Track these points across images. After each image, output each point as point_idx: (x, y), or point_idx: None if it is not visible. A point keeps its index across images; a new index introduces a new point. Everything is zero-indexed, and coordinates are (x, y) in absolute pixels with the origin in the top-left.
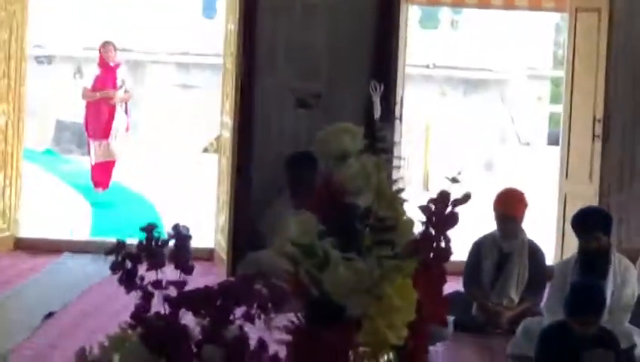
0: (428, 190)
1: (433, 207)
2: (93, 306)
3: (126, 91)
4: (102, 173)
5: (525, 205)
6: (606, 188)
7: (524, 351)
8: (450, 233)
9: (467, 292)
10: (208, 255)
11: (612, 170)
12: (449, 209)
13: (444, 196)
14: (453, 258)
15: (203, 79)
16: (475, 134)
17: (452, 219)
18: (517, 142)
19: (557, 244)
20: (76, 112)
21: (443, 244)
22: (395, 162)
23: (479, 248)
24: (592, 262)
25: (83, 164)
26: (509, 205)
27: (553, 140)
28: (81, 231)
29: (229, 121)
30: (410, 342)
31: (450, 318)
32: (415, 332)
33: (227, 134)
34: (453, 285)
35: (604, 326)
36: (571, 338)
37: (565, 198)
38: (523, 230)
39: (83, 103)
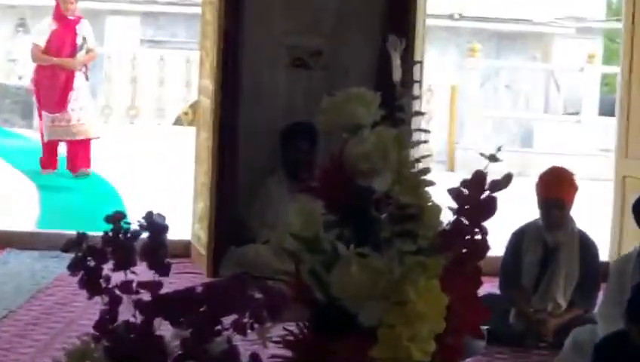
0: (453, 170)
1: (466, 192)
2: (43, 314)
3: (89, 51)
4: (52, 153)
5: (575, 188)
6: None
7: None
8: (486, 224)
9: (504, 296)
10: (183, 250)
11: None
12: (485, 194)
13: (479, 178)
14: (489, 254)
15: (176, 33)
16: (511, 101)
17: (489, 207)
18: (562, 110)
19: (613, 237)
20: (22, 75)
21: (478, 237)
22: (419, 136)
23: (518, 241)
24: None
25: (31, 140)
26: (555, 188)
27: (607, 109)
28: (26, 222)
29: (209, 85)
30: (438, 358)
31: (484, 328)
32: (444, 346)
33: (207, 101)
34: (486, 287)
35: None
36: (633, 353)
37: (624, 181)
38: (572, 219)
39: (31, 65)
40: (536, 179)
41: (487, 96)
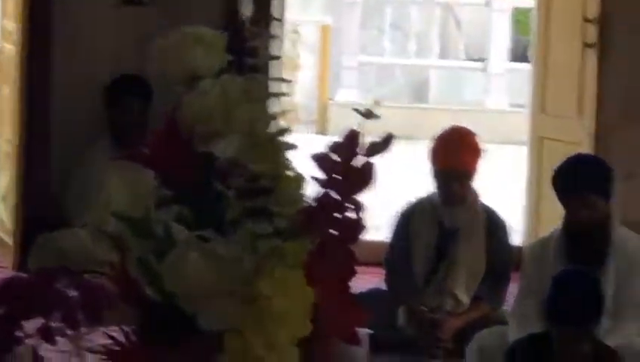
0: (326, 133)
1: (336, 157)
2: None
3: None
4: None
5: (478, 154)
6: (605, 127)
7: None
8: (362, 197)
9: (390, 291)
10: None
11: (614, 96)
12: (360, 159)
13: (351, 140)
14: (369, 238)
15: None
16: (399, 45)
17: (364, 176)
18: (464, 56)
19: (529, 215)
20: None
21: (351, 214)
22: (278, 87)
23: (408, 222)
24: (582, 241)
25: None
26: (454, 155)
27: (519, 54)
28: None
29: (12, 27)
30: None
31: (364, 331)
32: (309, 355)
33: (9, 48)
34: (370, 280)
35: (601, 341)
36: (552, 360)
37: (541, 143)
38: (476, 193)
39: None
40: (430, 143)
41: (368, 38)
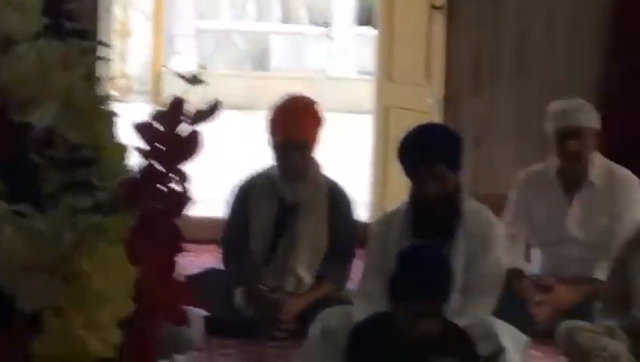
0: (160, 103)
1: (160, 126)
2: None
3: None
4: None
5: (319, 124)
6: (454, 93)
7: None
8: (188, 168)
9: (227, 271)
10: None
11: (462, 62)
12: (186, 128)
13: (176, 107)
14: (205, 215)
15: None
16: (237, 9)
17: (190, 145)
18: (306, 20)
19: (375, 189)
20: None
21: (177, 186)
22: (98, 52)
23: (245, 197)
24: (430, 215)
25: None
26: (292, 124)
27: (365, 18)
28: None
29: None
30: (127, 352)
31: (200, 313)
32: (134, 336)
33: None
34: (206, 259)
35: (451, 321)
36: (399, 341)
37: (388, 113)
38: (318, 166)
39: None
40: (268, 114)
41: (205, 2)
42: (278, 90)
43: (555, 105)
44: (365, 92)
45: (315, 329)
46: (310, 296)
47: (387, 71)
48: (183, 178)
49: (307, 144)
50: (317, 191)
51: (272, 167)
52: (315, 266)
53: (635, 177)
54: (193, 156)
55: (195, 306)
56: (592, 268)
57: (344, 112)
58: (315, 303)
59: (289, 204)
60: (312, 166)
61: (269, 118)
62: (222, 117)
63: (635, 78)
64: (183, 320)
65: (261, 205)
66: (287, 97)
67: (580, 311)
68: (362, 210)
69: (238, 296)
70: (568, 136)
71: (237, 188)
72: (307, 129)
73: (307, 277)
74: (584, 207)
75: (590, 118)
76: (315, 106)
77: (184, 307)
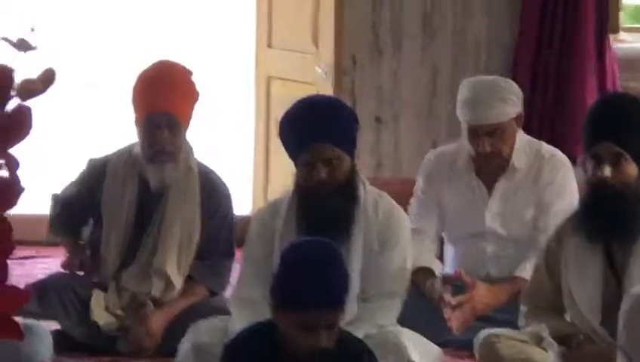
0: None
1: None
2: None
3: None
4: None
5: (192, 97)
6: (348, 62)
7: None
8: (18, 152)
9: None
10: None
11: (359, 22)
12: (13, 103)
13: (2, 78)
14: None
15: None
16: None
17: (19, 123)
18: None
19: (255, 176)
20: None
21: (3, 173)
22: None
23: (98, 176)
24: (320, 206)
25: None
26: (159, 94)
27: None
28: None
29: None
30: None
31: (48, 326)
32: None
33: None
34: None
35: (347, 332)
36: (284, 357)
37: (268, 84)
38: (190, 148)
39: None
40: (132, 84)
41: None
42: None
43: (466, 90)
44: (245, 60)
45: (185, 345)
46: (180, 304)
47: (267, 36)
48: (11, 163)
49: (177, 119)
50: (188, 178)
51: (135, 144)
52: (186, 267)
53: (564, 157)
54: (23, 136)
55: (41, 318)
56: (515, 266)
57: (222, 85)
58: (186, 312)
59: (154, 190)
60: (183, 148)
61: (133, 89)
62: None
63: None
64: (15, 333)
65: (119, 188)
66: (153, 65)
67: (501, 315)
68: (243, 202)
69: (94, 305)
70: (481, 134)
71: (89, 165)
72: (177, 101)
73: (177, 280)
74: (506, 196)
75: (507, 109)
76: (189, 76)
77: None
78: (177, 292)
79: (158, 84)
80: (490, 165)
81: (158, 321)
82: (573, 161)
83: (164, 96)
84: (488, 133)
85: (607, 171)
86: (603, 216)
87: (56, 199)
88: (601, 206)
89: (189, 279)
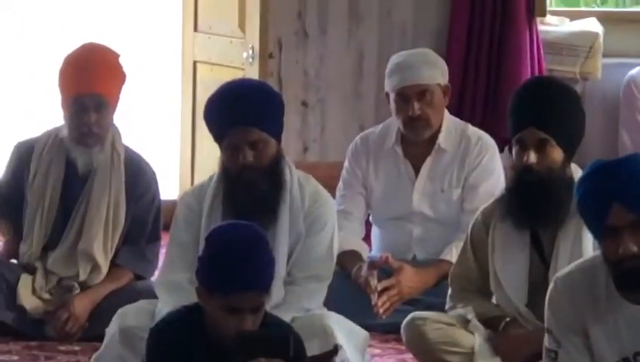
0: None
1: None
2: None
3: None
4: None
5: (118, 77)
6: (275, 46)
7: None
8: None
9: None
10: None
11: (286, 4)
12: None
13: None
14: None
15: None
16: None
17: None
18: None
19: (182, 159)
20: None
21: None
22: None
23: (24, 159)
24: (245, 189)
25: None
26: (86, 75)
27: None
28: None
29: None
30: None
31: None
32: None
33: None
34: None
35: (273, 315)
36: (209, 341)
37: (195, 68)
38: (117, 131)
39: None
40: (59, 66)
41: None
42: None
43: (394, 59)
44: (172, 45)
45: (112, 329)
46: (105, 288)
47: (191, 18)
48: None
49: (104, 101)
50: (115, 161)
51: (62, 127)
52: (111, 250)
53: (491, 140)
54: None
55: None
56: (442, 249)
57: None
58: (111, 296)
59: (81, 172)
60: (110, 131)
61: (60, 71)
62: None
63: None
64: None
65: (45, 170)
66: (82, 46)
67: (428, 298)
68: (171, 187)
69: (21, 291)
70: (411, 97)
71: (15, 149)
72: (104, 82)
73: (104, 263)
74: (432, 178)
75: (436, 73)
76: (116, 58)
77: None
78: (103, 275)
79: (85, 66)
80: (419, 136)
81: (83, 305)
82: (504, 145)
83: (91, 77)
84: (418, 95)
85: (532, 157)
86: (529, 202)
87: None
88: (527, 192)
89: (114, 264)
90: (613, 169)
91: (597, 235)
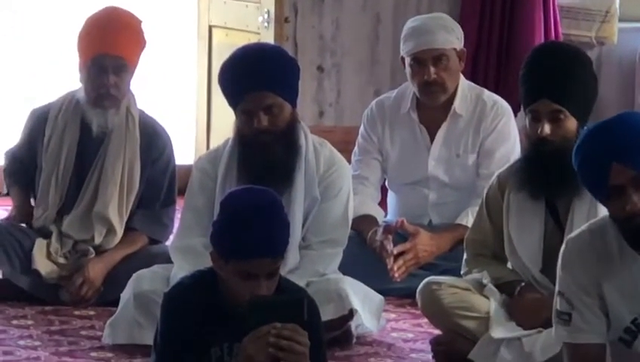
0: None
1: None
2: None
3: None
4: None
5: (139, 42)
6: (291, 10)
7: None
8: None
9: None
10: None
11: None
12: None
13: None
14: None
15: None
16: None
17: None
18: None
19: (198, 124)
20: None
21: None
22: None
23: (41, 122)
24: (261, 154)
25: None
26: (107, 36)
27: None
28: None
29: None
30: None
31: None
32: None
33: None
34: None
35: (288, 281)
36: (224, 305)
37: (210, 33)
38: (133, 96)
39: None
40: (80, 28)
41: None
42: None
43: (410, 24)
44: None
45: (127, 294)
46: (120, 252)
47: None
48: None
49: (124, 63)
50: (130, 124)
51: (78, 90)
52: (126, 213)
53: (506, 104)
54: None
55: None
56: (457, 214)
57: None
58: (126, 261)
59: (96, 135)
60: (127, 94)
61: (80, 32)
62: None
63: None
64: None
65: (60, 133)
66: (105, 8)
67: (444, 263)
68: (186, 153)
69: (37, 254)
70: (426, 61)
71: (31, 116)
72: (125, 45)
73: (119, 226)
74: (448, 144)
75: (452, 38)
76: (139, 23)
77: None
78: (118, 238)
79: (107, 27)
80: (434, 101)
81: (97, 270)
82: (519, 109)
83: (112, 38)
84: (434, 60)
85: (547, 129)
86: (544, 173)
87: (6, 153)
88: (542, 162)
89: (129, 229)
90: (606, 130)
91: (601, 198)
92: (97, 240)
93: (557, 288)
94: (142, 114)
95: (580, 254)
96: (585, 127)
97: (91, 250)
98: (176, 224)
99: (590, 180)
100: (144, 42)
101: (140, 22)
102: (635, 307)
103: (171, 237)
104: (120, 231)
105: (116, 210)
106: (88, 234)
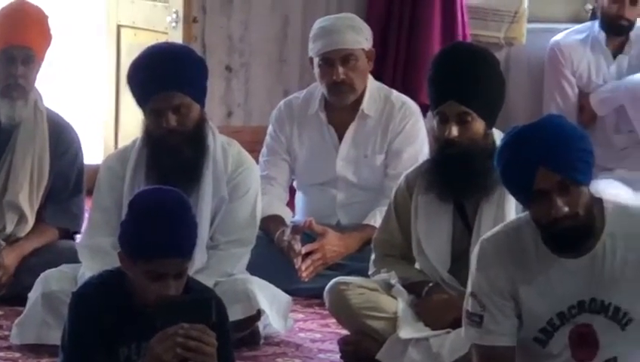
0: None
1: None
2: None
3: None
4: None
5: (46, 34)
6: (200, 10)
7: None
8: None
9: None
10: None
11: None
12: None
13: None
14: None
15: None
16: None
17: None
18: None
19: (106, 124)
20: None
21: None
22: None
23: None
24: (168, 153)
25: None
26: (16, 27)
27: None
28: None
29: None
30: None
31: None
32: None
33: None
34: None
35: (194, 280)
36: (131, 305)
37: (119, 32)
38: (38, 92)
39: None
40: None
41: None
42: None
43: (318, 23)
44: (95, 9)
45: (35, 294)
46: (31, 243)
47: None
48: None
49: (32, 54)
50: (38, 117)
51: None
52: (37, 202)
53: (414, 105)
54: None
55: None
56: (365, 214)
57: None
58: (37, 253)
59: (4, 126)
60: (33, 89)
61: None
62: None
63: None
64: None
65: None
66: (12, 2)
67: (352, 263)
68: (94, 152)
69: None
70: (335, 61)
71: None
72: (34, 37)
73: (30, 214)
74: (356, 144)
75: (361, 38)
76: (46, 18)
77: None
78: (29, 227)
79: (16, 18)
80: (342, 101)
81: (12, 258)
82: (425, 110)
83: (22, 30)
84: (342, 60)
85: (455, 131)
86: (452, 175)
87: None
88: (450, 164)
89: (39, 221)
90: (533, 134)
91: (524, 201)
92: (9, 229)
93: (469, 289)
94: (49, 111)
95: (496, 255)
96: (494, 128)
97: (1, 241)
98: (87, 214)
99: (514, 183)
100: (50, 37)
101: (47, 17)
102: (552, 307)
103: (83, 225)
104: (31, 219)
105: (27, 199)
106: (0, 223)
